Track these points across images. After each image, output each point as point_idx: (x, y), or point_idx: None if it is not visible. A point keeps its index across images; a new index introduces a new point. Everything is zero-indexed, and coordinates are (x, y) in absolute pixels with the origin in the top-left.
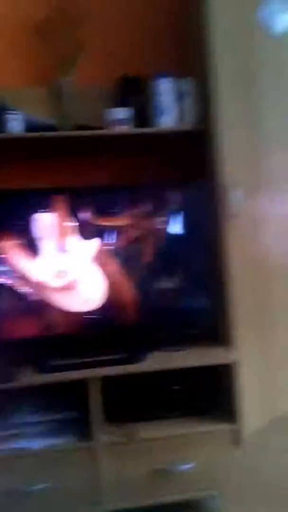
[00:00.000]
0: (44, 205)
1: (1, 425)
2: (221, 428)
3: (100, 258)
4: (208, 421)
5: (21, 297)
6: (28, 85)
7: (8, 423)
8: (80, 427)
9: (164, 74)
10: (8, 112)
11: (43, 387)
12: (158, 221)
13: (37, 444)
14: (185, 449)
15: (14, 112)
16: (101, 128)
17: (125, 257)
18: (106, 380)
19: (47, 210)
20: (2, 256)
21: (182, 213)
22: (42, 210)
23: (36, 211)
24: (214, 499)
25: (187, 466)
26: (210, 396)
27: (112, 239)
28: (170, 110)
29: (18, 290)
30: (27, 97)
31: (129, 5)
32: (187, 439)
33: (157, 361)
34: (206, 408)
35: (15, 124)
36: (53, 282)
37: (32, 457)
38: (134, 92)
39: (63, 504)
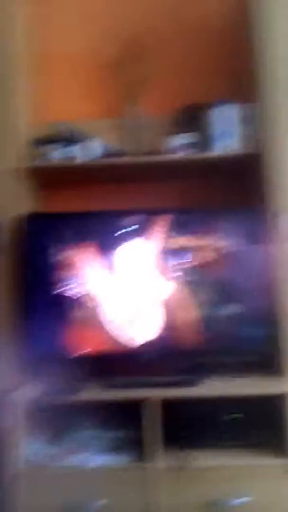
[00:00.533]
0: (119, 226)
1: (61, 439)
2: (277, 462)
3: (167, 280)
4: (263, 454)
5: (89, 313)
6: (98, 116)
7: (67, 438)
8: (137, 447)
9: (223, 102)
10: (81, 141)
11: (102, 404)
12: (217, 246)
13: (95, 460)
14: (240, 481)
15: (86, 140)
16: (161, 154)
17: (189, 281)
18: (165, 403)
19: (123, 230)
20: (77, 271)
21: (241, 238)
22: (119, 230)
23: (113, 231)
24: None
25: (241, 500)
26: (265, 427)
27: (177, 262)
28: (228, 135)
29: (88, 306)
30: (99, 127)
31: (187, 40)
32: (242, 471)
33: (215, 387)
34: (261, 440)
35: (88, 152)
36: (123, 303)
37: (90, 474)
38: (194, 119)
39: None
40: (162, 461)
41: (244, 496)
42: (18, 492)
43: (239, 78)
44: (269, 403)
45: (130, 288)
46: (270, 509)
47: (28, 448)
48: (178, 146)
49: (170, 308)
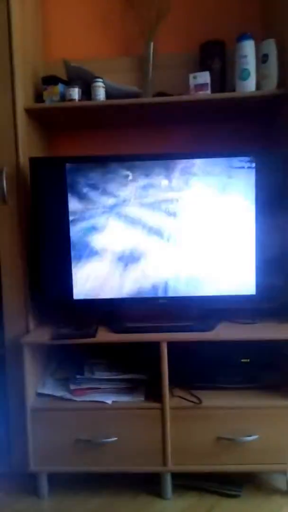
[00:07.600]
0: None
1: (79, 379)
2: (285, 403)
3: (180, 224)
4: (271, 396)
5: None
6: (113, 55)
7: (84, 378)
8: (150, 388)
9: (246, 37)
10: (95, 80)
11: (118, 347)
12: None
13: (110, 399)
14: (249, 421)
15: (100, 80)
16: (180, 94)
17: (206, 225)
18: (178, 347)
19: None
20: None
21: (259, 181)
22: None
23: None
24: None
25: (251, 437)
26: (273, 371)
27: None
28: (252, 73)
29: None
30: (113, 66)
31: None
32: (252, 412)
33: (227, 332)
34: (274, 383)
35: (101, 92)
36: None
37: (105, 411)
38: (215, 56)
39: (130, 459)
40: (174, 400)
41: (253, 435)
42: (31, 428)
43: (263, 14)
44: (278, 347)
45: (141, 232)
46: (277, 447)
47: (42, 387)
48: (197, 85)
49: (185, 254)
